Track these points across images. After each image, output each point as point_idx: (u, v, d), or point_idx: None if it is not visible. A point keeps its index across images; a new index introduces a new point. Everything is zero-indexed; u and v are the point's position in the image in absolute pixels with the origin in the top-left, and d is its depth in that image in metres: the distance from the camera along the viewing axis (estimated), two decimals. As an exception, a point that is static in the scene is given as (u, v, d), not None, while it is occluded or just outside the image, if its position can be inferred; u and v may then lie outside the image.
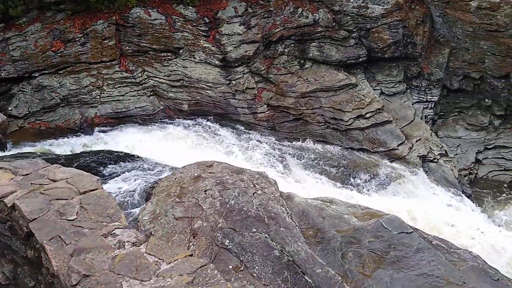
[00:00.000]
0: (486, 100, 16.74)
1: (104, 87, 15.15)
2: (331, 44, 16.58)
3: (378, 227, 7.58)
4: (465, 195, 14.64)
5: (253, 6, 16.18)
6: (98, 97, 15.09)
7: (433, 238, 7.77)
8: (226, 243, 6.43)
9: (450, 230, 12.24)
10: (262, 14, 16.16)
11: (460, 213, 13.24)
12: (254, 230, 6.64)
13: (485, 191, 15.84)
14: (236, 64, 15.94)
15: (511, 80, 15.54)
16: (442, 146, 15.85)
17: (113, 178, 10.80)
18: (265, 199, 7.37)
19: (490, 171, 16.69)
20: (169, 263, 4.44)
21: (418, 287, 6.54)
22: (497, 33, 15.43)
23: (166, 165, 12.19)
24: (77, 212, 5.28)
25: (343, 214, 8.12)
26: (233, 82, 15.97)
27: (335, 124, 15.63)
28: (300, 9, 16.36)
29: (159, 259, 4.52)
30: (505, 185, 16.29)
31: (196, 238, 6.45)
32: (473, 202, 14.55)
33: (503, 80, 15.86)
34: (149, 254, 4.57)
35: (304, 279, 5.93)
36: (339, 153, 15.20)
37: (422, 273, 6.83)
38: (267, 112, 16.09)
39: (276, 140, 15.66)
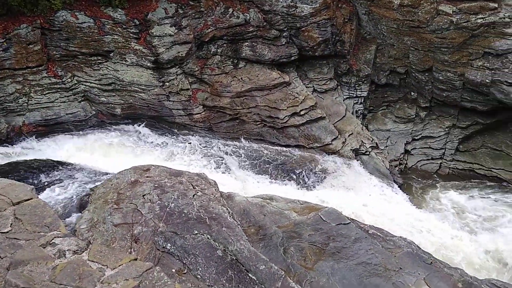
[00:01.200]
0: (412, 93, 17.58)
1: (31, 94, 14.50)
2: (263, 43, 16.78)
3: (317, 220, 7.79)
4: (397, 185, 15.29)
5: (183, 7, 16.05)
6: (25, 104, 14.43)
7: (369, 228, 8.08)
8: (168, 247, 6.37)
9: (385, 219, 12.77)
10: (193, 14, 16.08)
11: (392, 202, 13.83)
12: (196, 232, 6.63)
13: (414, 179, 16.62)
14: (169, 66, 15.77)
15: (433, 73, 16.40)
16: (373, 139, 16.46)
17: (49, 186, 10.43)
18: (205, 200, 7.37)
19: (418, 161, 17.52)
20: (114, 268, 4.36)
21: (358, 276, 6.78)
22: (419, 29, 16.25)
23: (102, 171, 11.89)
24: (11, 224, 5.06)
25: (284, 210, 8.27)
26: (167, 83, 15.79)
27: (271, 122, 15.83)
28: (231, 9, 16.43)
29: (102, 265, 4.42)
30: (433, 173, 17.17)
31: (137, 243, 6.35)
32: (404, 191, 15.22)
33: (426, 74, 16.70)
34: (92, 261, 4.46)
35: (248, 277, 5.99)
36: (277, 150, 15.42)
37: (361, 262, 7.09)
38: (203, 113, 16.04)
39: (213, 140, 15.67)
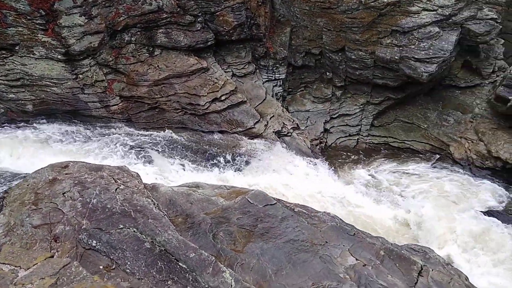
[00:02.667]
0: (327, 74, 18.12)
1: None
2: (178, 29, 16.48)
3: (245, 204, 7.87)
4: (320, 162, 15.77)
5: (92, -5, 15.40)
6: None
7: (294, 206, 8.29)
8: (94, 244, 6.18)
9: (310, 195, 13.17)
10: (103, 3, 15.44)
11: (315, 179, 14.27)
12: (122, 226, 6.47)
13: (335, 156, 17.23)
14: (81, 57, 15.10)
15: (346, 53, 16.98)
16: (293, 120, 16.83)
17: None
18: (129, 193, 7.20)
19: (337, 138, 18.18)
20: (28, 268, 4.15)
21: (287, 253, 6.95)
22: (330, 10, 16.72)
23: (15, 172, 11.25)
24: None
25: (210, 197, 8.27)
26: (80, 76, 15.14)
27: (192, 109, 15.68)
28: (142, -4, 15.99)
29: (15, 266, 4.19)
30: (351, 149, 17.89)
31: (58, 242, 6.09)
32: (327, 168, 15.73)
33: (339, 54, 17.27)
34: (3, 263, 4.21)
35: (178, 266, 5.95)
36: (200, 137, 15.35)
37: (289, 239, 7.27)
38: (120, 104, 15.58)
39: (134, 132, 15.30)
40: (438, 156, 17.13)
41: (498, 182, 15.42)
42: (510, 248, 12.16)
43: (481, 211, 13.68)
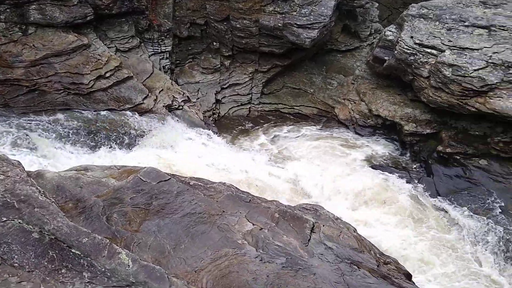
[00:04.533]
0: (214, 44, 18.06)
1: None
2: (53, 5, 15.32)
3: (137, 182, 7.71)
4: (213, 134, 15.87)
5: None
6: None
7: (190, 179, 8.29)
8: (-26, 242, 5.73)
9: (205, 167, 13.24)
10: (-39, -23, 13.94)
11: (211, 150, 14.36)
12: (5, 218, 6.04)
13: (228, 126, 17.42)
14: None
15: (231, 22, 17.01)
16: (184, 93, 16.64)
17: None
18: (10, 183, 6.72)
19: (230, 108, 18.34)
20: None
21: (184, 227, 6.97)
22: (211, -21, 16.58)
23: None
24: None
25: (101, 178, 7.99)
26: None
27: (75, 89, 14.85)
28: (7, -31, 14.62)
29: None
30: (244, 118, 18.17)
31: None
32: (221, 138, 15.89)
33: (224, 23, 17.26)
34: None
35: (72, 253, 5.73)
36: (87, 118, 14.63)
37: (186, 213, 7.29)
38: (-6, 89, 14.34)
39: (12, 117, 14.19)
40: (325, 118, 18.00)
41: (380, 138, 16.62)
42: (396, 198, 13.26)
43: (369, 166, 14.69)
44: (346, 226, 8.17)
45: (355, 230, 8.35)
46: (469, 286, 10.72)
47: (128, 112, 14.95)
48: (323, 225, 7.83)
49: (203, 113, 16.70)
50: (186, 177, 8.50)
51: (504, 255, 11.50)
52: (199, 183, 8.29)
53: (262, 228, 7.31)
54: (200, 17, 17.53)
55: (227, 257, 6.53)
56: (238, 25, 16.91)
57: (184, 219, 7.16)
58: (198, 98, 17.73)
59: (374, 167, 14.71)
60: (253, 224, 7.40)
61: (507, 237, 11.78)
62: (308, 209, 8.38)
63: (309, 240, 7.37)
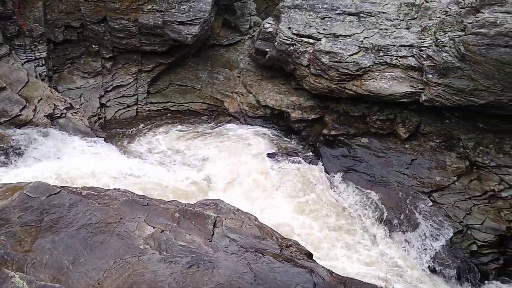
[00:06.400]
0: (93, 46, 17.33)
1: None
2: None
3: (24, 199, 7.23)
4: (101, 140, 15.28)
5: None
6: None
7: (82, 189, 7.95)
8: None
9: (97, 175, 12.73)
10: None
11: (101, 157, 13.81)
12: None
13: (117, 130, 16.85)
14: None
15: (109, 23, 16.44)
16: (65, 100, 15.77)
17: None
18: None
19: (116, 111, 17.74)
20: None
21: (82, 239, 6.69)
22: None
23: None
24: None
25: (-19, 200, 7.37)
26: None
27: None
28: None
29: None
30: (132, 120, 17.69)
31: None
32: (111, 144, 15.35)
33: (102, 24, 16.62)
34: None
35: (-44, 285, 5.25)
36: (-44, 136, 13.36)
37: (81, 225, 6.98)
38: None
39: None
40: (216, 113, 18.14)
41: (270, 126, 17.13)
42: (292, 183, 13.78)
43: (265, 155, 15.05)
44: (247, 216, 8.35)
45: (256, 219, 8.57)
46: (360, 256, 11.53)
47: (5, 126, 13.85)
48: (225, 218, 7.94)
49: (88, 119, 15.97)
50: (77, 188, 8.13)
51: (385, 224, 12.51)
52: (92, 192, 7.97)
53: (163, 230, 7.23)
54: (75, 20, 16.70)
55: (130, 264, 6.38)
56: (116, 26, 16.39)
57: (80, 232, 6.85)
58: (82, 104, 16.92)
59: (269, 155, 15.11)
60: (153, 227, 7.29)
61: (391, 204, 12.85)
62: (209, 205, 8.44)
63: (212, 235, 7.43)
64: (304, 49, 15.30)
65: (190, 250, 6.91)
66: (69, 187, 8.21)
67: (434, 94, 13.14)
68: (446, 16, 14.13)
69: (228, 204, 8.85)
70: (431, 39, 13.80)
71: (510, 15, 11.84)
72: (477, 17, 12.24)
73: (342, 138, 15.15)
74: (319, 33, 15.27)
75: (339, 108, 15.88)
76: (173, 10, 16.23)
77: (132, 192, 8.33)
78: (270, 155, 15.10)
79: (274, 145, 15.91)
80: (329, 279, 7.16)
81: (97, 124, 16.54)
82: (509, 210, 12.56)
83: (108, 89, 17.61)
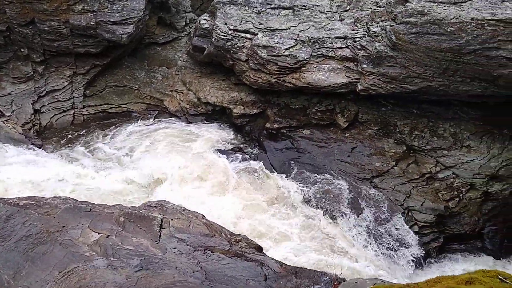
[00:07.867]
0: (22, 50, 16.52)
1: None
2: None
3: (-45, 215, 6.85)
4: (37, 147, 14.70)
5: None
6: None
7: (19, 200, 7.64)
8: None
9: (37, 184, 12.26)
10: None
11: (37, 165, 13.30)
12: None
13: (53, 136, 16.20)
14: None
15: (37, 25, 15.76)
16: (-4, 108, 15.07)
17: None
18: None
19: (52, 117, 16.97)
20: None
21: (22, 252, 6.43)
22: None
23: None
24: None
25: None
26: None
27: None
28: None
29: None
30: (69, 125, 17.06)
31: None
32: (46, 150, 14.78)
33: (30, 27, 15.90)
34: None
35: None
36: None
37: (21, 237, 6.71)
38: None
39: None
40: (155, 112, 17.82)
41: (214, 124, 17.04)
42: (238, 179, 13.80)
43: (211, 152, 14.93)
44: (194, 215, 8.31)
45: (203, 217, 8.54)
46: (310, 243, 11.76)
47: None
48: (172, 219, 7.86)
49: (21, 126, 15.31)
50: (13, 198, 7.81)
51: (331, 212, 12.83)
52: (31, 202, 7.67)
53: (109, 235, 7.07)
54: (1, 23, 15.87)
55: (76, 273, 6.20)
56: (46, 28, 15.74)
57: (20, 244, 6.58)
58: (14, 111, 16.12)
59: (215, 152, 15.02)
60: (98, 233, 7.11)
61: (335, 192, 13.17)
62: (154, 206, 8.33)
63: (159, 236, 7.34)
64: (242, 44, 15.33)
65: (138, 253, 6.79)
66: (4, 198, 7.84)
67: (370, 83, 13.56)
68: (377, 6, 14.60)
69: (174, 204, 8.78)
70: (364, 30, 14.21)
71: (436, 3, 12.41)
72: (406, 7, 12.74)
73: (285, 131, 15.32)
74: (255, 27, 15.34)
75: (280, 101, 16.04)
76: (106, 10, 15.80)
77: (73, 199, 8.09)
78: (215, 151, 15.04)
79: (217, 141, 15.83)
80: (279, 270, 7.26)
81: (31, 131, 15.83)
82: (446, 190, 13.21)
83: (41, 94, 16.86)
